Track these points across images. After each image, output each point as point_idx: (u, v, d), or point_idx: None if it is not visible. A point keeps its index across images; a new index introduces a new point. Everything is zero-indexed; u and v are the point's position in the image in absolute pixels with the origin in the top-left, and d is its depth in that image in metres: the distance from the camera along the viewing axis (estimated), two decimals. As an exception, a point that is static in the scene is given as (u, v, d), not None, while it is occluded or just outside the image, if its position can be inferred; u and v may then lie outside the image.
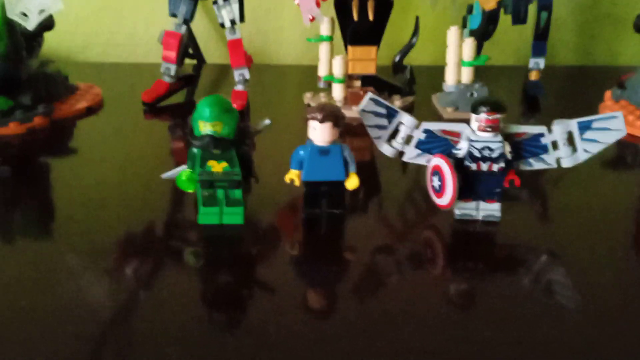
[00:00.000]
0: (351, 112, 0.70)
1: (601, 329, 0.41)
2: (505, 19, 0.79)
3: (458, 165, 0.51)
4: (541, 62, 0.81)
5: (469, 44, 0.74)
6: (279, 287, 0.45)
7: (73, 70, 0.91)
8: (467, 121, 0.51)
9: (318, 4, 0.68)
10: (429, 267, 0.48)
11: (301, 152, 0.50)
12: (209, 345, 0.39)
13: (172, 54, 0.77)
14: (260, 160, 0.67)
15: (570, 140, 0.50)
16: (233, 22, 0.75)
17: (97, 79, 0.89)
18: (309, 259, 0.50)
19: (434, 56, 0.98)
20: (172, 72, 0.78)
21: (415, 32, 0.78)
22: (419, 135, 0.52)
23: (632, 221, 0.56)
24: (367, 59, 0.76)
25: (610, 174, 0.66)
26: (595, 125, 0.49)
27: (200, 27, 0.99)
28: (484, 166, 0.50)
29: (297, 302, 0.44)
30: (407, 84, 0.79)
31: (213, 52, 1.00)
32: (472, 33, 0.79)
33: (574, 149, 0.51)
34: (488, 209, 0.52)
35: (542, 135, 0.50)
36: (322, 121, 0.48)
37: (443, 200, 0.51)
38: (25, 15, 0.67)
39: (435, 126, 0.51)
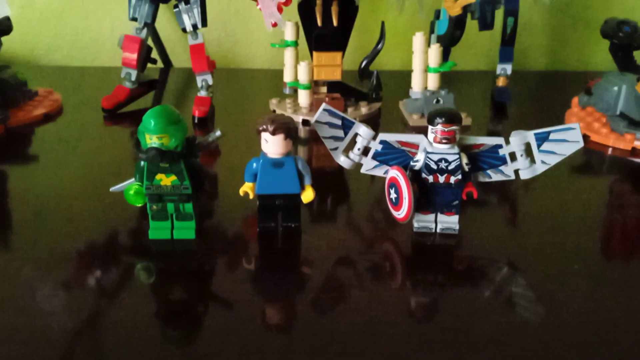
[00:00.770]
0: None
1: (564, 342, 0.40)
2: (474, 25, 0.78)
3: (415, 177, 0.50)
4: (508, 68, 0.80)
5: (435, 50, 0.74)
6: (234, 302, 0.44)
7: (36, 74, 0.89)
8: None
9: (280, 9, 0.67)
10: (387, 280, 0.47)
11: (254, 165, 0.49)
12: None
13: (133, 59, 0.75)
14: (221, 170, 0.66)
15: (528, 151, 0.50)
16: (195, 27, 0.73)
17: (59, 83, 0.87)
18: (265, 273, 0.48)
19: (402, 61, 0.98)
20: (133, 78, 0.76)
21: (381, 37, 0.77)
22: (376, 146, 0.51)
23: (596, 229, 0.55)
24: (333, 65, 0.75)
25: (576, 181, 0.65)
26: (552, 136, 0.48)
27: (167, 30, 0.97)
28: (441, 178, 0.49)
29: (253, 316, 0.43)
30: (373, 90, 0.78)
31: (180, 56, 0.98)
32: (439, 39, 0.79)
33: (532, 161, 0.50)
34: (446, 222, 0.51)
35: (500, 146, 0.50)
36: (273, 133, 0.46)
37: (400, 213, 0.50)
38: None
39: (391, 137, 0.50)
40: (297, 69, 0.75)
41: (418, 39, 0.74)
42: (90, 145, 0.71)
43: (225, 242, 0.51)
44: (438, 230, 0.51)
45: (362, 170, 0.52)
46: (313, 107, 0.76)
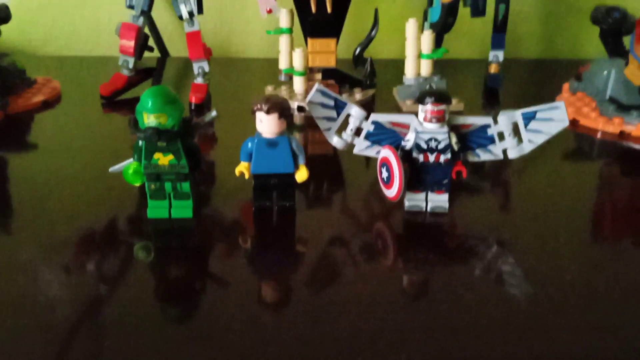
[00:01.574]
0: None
1: (551, 318, 0.41)
2: (467, 12, 0.79)
3: (406, 156, 0.51)
4: (500, 55, 0.81)
5: (427, 36, 0.75)
6: (231, 279, 0.45)
7: (34, 64, 0.89)
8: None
9: (275, -4, 0.68)
10: (380, 258, 0.49)
11: (249, 145, 0.50)
12: (162, 339, 0.39)
13: (130, 46, 0.76)
14: (218, 154, 0.67)
15: (516, 131, 0.51)
16: (191, 14, 0.74)
17: (58, 72, 0.88)
18: (260, 250, 0.49)
19: (396, 50, 0.99)
20: (131, 65, 0.77)
21: (375, 24, 0.79)
22: (368, 126, 0.52)
23: (585, 209, 0.56)
24: (327, 52, 0.76)
25: (565, 164, 0.67)
26: (539, 115, 0.49)
27: (164, 20, 0.98)
28: (431, 157, 0.50)
29: (249, 293, 0.44)
30: (367, 77, 0.79)
31: (177, 46, 0.99)
32: (432, 26, 0.80)
33: (520, 140, 0.51)
34: (436, 200, 0.52)
35: (488, 126, 0.51)
36: (267, 112, 0.48)
37: (391, 192, 0.51)
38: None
39: (383, 118, 0.51)
40: (292, 55, 0.76)
41: (411, 26, 0.75)
42: (89, 131, 0.72)
43: (222, 220, 0.53)
44: (428, 209, 0.53)
45: (355, 151, 0.53)
46: (308, 93, 0.77)
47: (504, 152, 0.52)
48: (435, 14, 0.81)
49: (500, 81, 0.82)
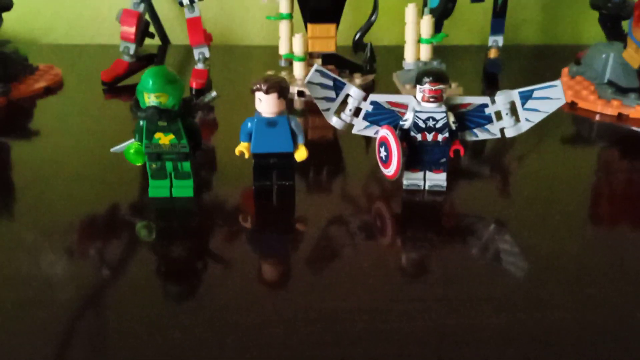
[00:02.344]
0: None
1: (547, 295, 0.42)
2: (467, -2, 0.80)
3: (405, 136, 0.52)
4: (500, 40, 0.81)
5: (427, 21, 0.75)
6: (231, 257, 0.46)
7: (36, 52, 0.90)
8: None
9: (274, -19, 0.69)
10: (379, 236, 0.49)
11: (249, 124, 0.51)
12: (163, 317, 0.39)
13: (131, 32, 0.76)
14: (218, 138, 0.68)
15: (513, 110, 0.51)
16: (192, 0, 0.74)
17: (59, 60, 0.88)
18: (260, 229, 0.50)
19: (396, 36, 0.99)
20: (132, 51, 0.77)
21: (374, 9, 0.79)
22: (367, 107, 0.52)
23: (582, 190, 0.57)
24: (327, 37, 0.76)
25: (564, 146, 0.67)
26: (536, 94, 0.50)
27: (164, 8, 0.98)
28: (429, 136, 0.51)
29: (250, 271, 0.44)
30: (367, 62, 0.79)
31: (178, 34, 0.99)
32: (432, 11, 0.80)
33: (517, 119, 0.52)
34: (434, 179, 0.53)
35: (485, 105, 0.51)
36: (267, 92, 0.48)
37: (389, 171, 0.52)
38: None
39: (381, 98, 0.52)
40: (292, 41, 0.77)
41: (410, 11, 0.75)
42: (90, 117, 0.73)
43: (222, 201, 0.53)
44: (426, 187, 0.53)
45: (354, 131, 0.54)
46: (308, 79, 0.78)
47: (502, 131, 0.52)
48: (435, 0, 0.81)
49: (500, 66, 0.83)
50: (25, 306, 0.40)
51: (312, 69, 0.51)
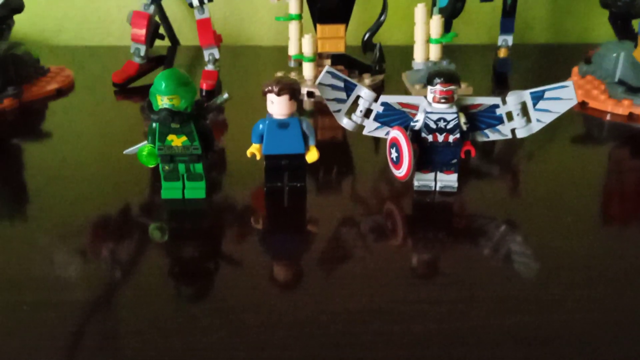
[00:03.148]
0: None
1: (559, 296, 0.42)
2: (475, -3, 0.80)
3: (416, 137, 0.52)
4: (509, 39, 0.81)
5: (436, 21, 0.75)
6: (243, 258, 0.46)
7: (46, 53, 0.91)
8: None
9: (284, -18, 0.69)
10: (390, 237, 0.49)
11: (260, 126, 0.51)
12: (175, 318, 0.40)
13: (142, 34, 0.77)
14: (229, 139, 0.68)
15: (525, 110, 0.51)
16: (202, 2, 0.75)
17: (70, 61, 0.89)
18: (272, 231, 0.50)
19: (406, 36, 0.99)
20: (142, 53, 0.78)
21: (384, 9, 0.79)
22: (378, 108, 0.52)
23: (593, 191, 0.57)
24: (336, 37, 0.77)
25: (574, 146, 0.67)
26: (547, 95, 0.50)
27: (174, 9, 0.99)
28: (440, 137, 0.51)
29: (262, 272, 0.45)
30: (376, 62, 0.79)
31: (187, 35, 1.00)
32: (441, 11, 0.80)
33: (528, 120, 0.52)
34: (445, 180, 0.53)
35: (497, 106, 0.51)
36: (278, 94, 0.48)
37: (400, 172, 0.52)
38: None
39: (392, 99, 0.52)
40: (301, 42, 0.77)
41: (420, 11, 0.75)
42: (102, 118, 0.73)
43: (234, 202, 0.54)
44: (437, 189, 0.53)
45: (365, 132, 0.54)
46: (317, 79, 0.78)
47: (513, 131, 0.52)
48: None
49: (510, 66, 0.82)
50: (38, 307, 0.41)
51: (324, 71, 0.51)
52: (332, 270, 0.45)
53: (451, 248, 0.48)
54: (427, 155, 0.52)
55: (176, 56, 0.97)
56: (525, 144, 0.63)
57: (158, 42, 0.84)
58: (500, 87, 0.83)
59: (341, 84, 0.52)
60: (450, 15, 0.80)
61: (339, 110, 0.53)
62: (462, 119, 0.51)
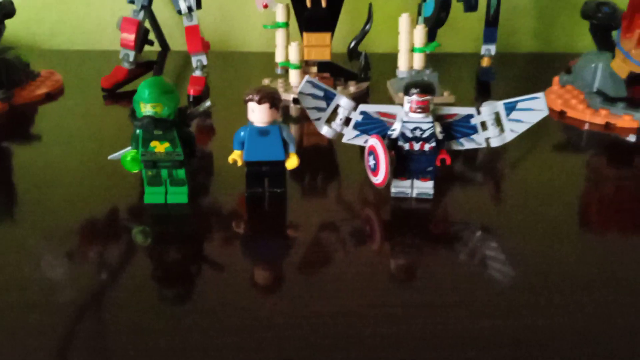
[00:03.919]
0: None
1: (532, 301, 0.43)
2: (461, 7, 0.81)
3: (393, 145, 0.53)
4: (492, 49, 0.83)
5: (420, 30, 0.77)
6: (225, 262, 0.47)
7: (38, 58, 0.92)
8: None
9: (271, -9, 0.70)
10: (368, 242, 0.50)
11: (242, 133, 0.52)
12: (161, 318, 0.41)
13: (131, 40, 0.78)
14: (215, 144, 0.69)
15: (498, 120, 0.53)
16: (190, 9, 0.76)
17: (61, 66, 0.90)
18: (253, 235, 0.52)
19: (391, 44, 1.01)
20: (131, 58, 0.79)
21: (369, 19, 0.80)
22: (357, 117, 0.54)
23: (569, 198, 0.58)
24: (322, 45, 0.78)
25: (552, 155, 0.68)
26: (519, 105, 0.51)
27: (164, 14, 1.00)
28: (416, 146, 0.52)
29: (243, 276, 0.46)
30: (362, 70, 0.81)
31: (179, 40, 1.01)
32: (426, 20, 0.82)
33: (502, 129, 0.53)
34: (421, 187, 0.54)
35: (471, 116, 0.53)
36: (259, 102, 0.50)
37: (377, 179, 0.53)
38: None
39: (371, 108, 0.53)
40: (288, 49, 0.78)
41: (404, 20, 0.77)
42: (90, 122, 0.75)
43: (216, 207, 0.55)
44: (414, 195, 0.55)
45: (344, 140, 0.55)
46: (303, 86, 0.80)
47: (487, 141, 0.54)
48: (428, 9, 0.82)
49: (493, 75, 0.84)
50: (25, 309, 0.42)
51: (304, 80, 0.52)
52: (310, 274, 0.46)
53: (427, 253, 0.49)
54: (403, 163, 0.53)
55: (166, 61, 0.98)
56: (504, 151, 0.64)
57: (148, 47, 0.85)
58: (483, 95, 0.85)
59: (321, 93, 0.53)
60: (434, 24, 0.82)
61: (319, 119, 0.54)
62: (438, 128, 0.52)
